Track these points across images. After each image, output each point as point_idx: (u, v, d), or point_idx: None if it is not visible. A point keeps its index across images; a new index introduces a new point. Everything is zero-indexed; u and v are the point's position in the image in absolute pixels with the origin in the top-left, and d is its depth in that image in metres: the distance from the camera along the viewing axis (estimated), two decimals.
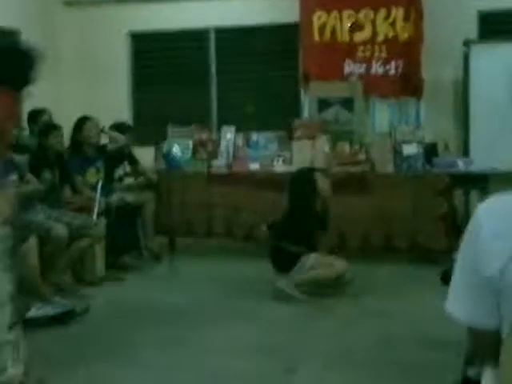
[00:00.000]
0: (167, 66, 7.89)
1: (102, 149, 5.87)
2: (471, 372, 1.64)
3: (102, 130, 5.92)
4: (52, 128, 5.34)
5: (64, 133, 5.49)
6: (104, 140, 6.05)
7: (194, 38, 7.78)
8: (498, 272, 1.34)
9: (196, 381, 3.20)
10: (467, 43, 6.49)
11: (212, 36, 7.72)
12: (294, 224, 4.85)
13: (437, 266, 5.28)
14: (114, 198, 5.76)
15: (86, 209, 5.33)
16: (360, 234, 5.81)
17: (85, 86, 7.77)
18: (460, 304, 1.46)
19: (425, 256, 5.70)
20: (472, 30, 6.75)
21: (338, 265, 4.81)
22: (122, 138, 5.99)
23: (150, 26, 7.71)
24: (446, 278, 1.74)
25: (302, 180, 5.04)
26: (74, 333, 4.02)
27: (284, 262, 4.78)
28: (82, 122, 5.76)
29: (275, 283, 4.74)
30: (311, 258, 4.81)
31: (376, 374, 3.25)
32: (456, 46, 6.50)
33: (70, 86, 7.74)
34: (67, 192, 5.37)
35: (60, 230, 4.64)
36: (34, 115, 5.92)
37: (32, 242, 4.39)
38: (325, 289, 4.77)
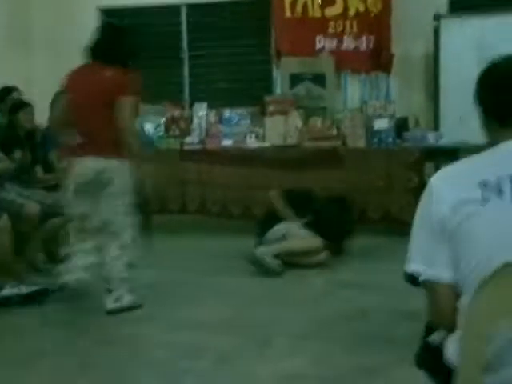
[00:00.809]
0: (138, 43, 7.80)
1: None
2: (431, 338, 1.69)
3: None
4: (22, 105, 5.27)
5: (35, 110, 5.43)
6: None
7: (165, 14, 7.71)
8: (449, 211, 1.50)
9: (169, 357, 3.22)
10: (437, 17, 6.52)
11: (183, 11, 7.66)
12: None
13: (408, 237, 5.39)
14: None
15: (58, 186, 5.30)
16: None
17: (55, 62, 7.65)
18: (418, 260, 1.57)
19: (397, 227, 5.79)
20: (442, 4, 6.77)
21: (313, 240, 4.92)
22: None
23: (120, 2, 7.62)
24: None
25: None
26: (47, 311, 4.02)
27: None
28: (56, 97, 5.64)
29: (254, 251, 4.81)
30: (283, 227, 4.95)
31: (351, 347, 3.30)
32: (426, 21, 6.52)
33: (40, 63, 7.63)
34: (39, 171, 5.32)
35: (32, 209, 4.62)
36: (3, 94, 5.82)
37: (4, 220, 4.36)
38: (299, 258, 4.88)
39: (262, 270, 4.74)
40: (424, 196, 1.60)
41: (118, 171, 3.77)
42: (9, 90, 5.78)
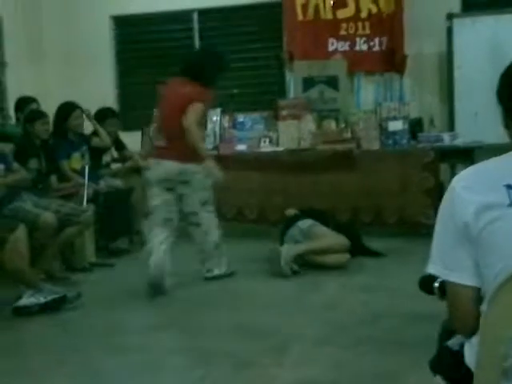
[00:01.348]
0: (151, 50, 7.85)
1: (86, 138, 5.85)
2: (450, 342, 1.67)
3: (87, 115, 5.88)
4: (38, 115, 5.31)
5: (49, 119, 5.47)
6: (89, 128, 6.02)
7: (178, 20, 7.74)
8: (473, 216, 1.45)
9: (185, 364, 3.23)
10: (450, 17, 6.48)
11: (195, 17, 7.68)
12: None
13: (424, 239, 5.35)
14: (102, 183, 5.77)
15: (74, 195, 5.34)
16: (349, 209, 5.85)
17: (69, 71, 7.72)
18: (441, 262, 1.54)
19: (413, 230, 5.76)
20: (455, 3, 6.73)
21: (340, 238, 4.97)
22: (108, 141, 5.99)
23: (133, 9, 7.66)
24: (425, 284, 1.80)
25: None
26: (65, 320, 4.04)
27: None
28: (70, 109, 5.66)
29: (277, 248, 4.84)
30: (308, 224, 5.01)
31: (366, 351, 3.28)
32: (439, 20, 6.48)
33: (55, 72, 7.69)
34: (54, 180, 5.36)
35: (48, 218, 4.65)
36: (22, 104, 5.86)
37: (21, 230, 4.39)
38: (324, 256, 4.88)
39: (273, 268, 4.74)
40: (446, 199, 1.55)
41: (193, 174, 4.46)
42: (27, 101, 5.82)
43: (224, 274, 4.75)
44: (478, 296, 1.50)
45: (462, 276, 1.50)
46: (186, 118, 4.35)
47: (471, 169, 1.57)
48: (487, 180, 1.49)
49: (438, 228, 1.57)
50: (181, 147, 4.41)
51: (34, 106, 5.75)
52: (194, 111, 4.38)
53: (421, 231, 5.56)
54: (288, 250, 4.81)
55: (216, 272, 4.74)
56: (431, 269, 1.57)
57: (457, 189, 1.51)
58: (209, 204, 4.64)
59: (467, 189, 1.50)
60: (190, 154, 4.40)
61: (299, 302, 4.23)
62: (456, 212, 1.50)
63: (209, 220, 4.67)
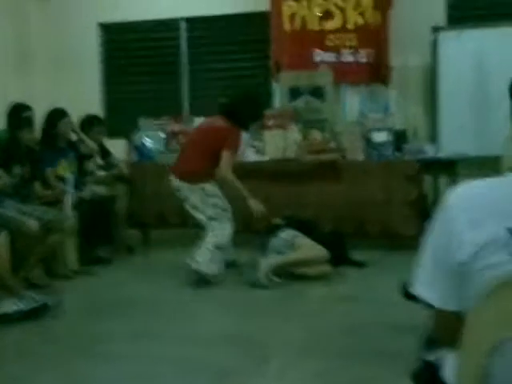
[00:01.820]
0: (138, 57, 7.86)
1: (75, 145, 5.83)
2: (432, 356, 1.68)
3: (73, 130, 5.86)
4: (27, 123, 5.26)
5: (35, 127, 5.44)
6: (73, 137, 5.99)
7: (165, 29, 7.76)
8: (471, 258, 1.39)
9: (169, 373, 3.22)
10: (435, 30, 6.56)
11: (183, 26, 7.70)
12: None
13: (407, 250, 5.38)
14: (87, 191, 5.74)
15: (57, 202, 5.32)
16: (332, 220, 5.87)
17: (56, 77, 7.71)
18: (430, 288, 1.49)
19: (395, 241, 5.79)
20: (440, 16, 6.81)
21: (320, 250, 4.96)
22: (94, 147, 5.98)
23: (120, 17, 7.67)
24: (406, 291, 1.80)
25: None
26: (47, 327, 4.02)
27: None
28: (58, 116, 5.63)
29: (258, 261, 4.87)
30: (290, 235, 5.02)
31: (349, 361, 3.28)
32: (424, 33, 6.55)
33: (42, 78, 7.68)
34: (37, 186, 5.33)
35: (31, 225, 4.62)
36: (17, 111, 5.76)
37: (3, 237, 4.37)
38: (305, 268, 4.89)
39: (250, 279, 4.77)
40: (442, 222, 1.45)
41: (187, 191, 4.94)
42: (22, 108, 5.73)
43: (205, 275, 4.84)
44: (462, 318, 1.49)
45: (448, 302, 1.48)
46: (221, 169, 4.83)
47: (468, 191, 1.46)
48: (488, 216, 1.39)
49: (426, 250, 1.49)
50: (184, 168, 4.96)
51: (28, 113, 5.68)
52: (225, 162, 4.82)
53: (403, 242, 5.60)
54: (267, 262, 4.82)
55: (198, 259, 4.84)
56: (417, 291, 1.52)
57: (454, 219, 1.41)
58: (217, 219, 4.91)
59: (465, 223, 1.40)
60: (188, 175, 4.91)
61: (282, 312, 4.23)
62: (450, 246, 1.42)
63: (216, 235, 4.91)
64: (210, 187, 4.93)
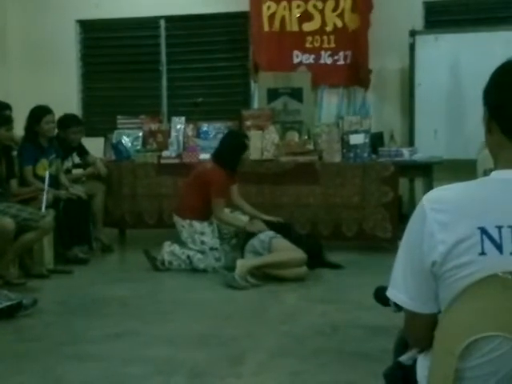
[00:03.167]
0: (117, 55, 7.83)
1: (57, 145, 5.80)
2: (403, 357, 1.70)
3: None
4: (5, 122, 5.20)
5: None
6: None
7: (144, 27, 7.74)
8: (442, 257, 1.42)
9: (142, 373, 3.21)
10: (413, 33, 6.62)
11: (162, 25, 7.69)
12: None
13: (382, 252, 5.43)
14: (63, 189, 5.71)
15: (34, 200, 5.28)
16: (308, 221, 5.90)
17: (33, 74, 7.65)
18: (404, 290, 1.51)
19: (371, 243, 5.84)
20: (418, 20, 6.87)
21: (297, 252, 4.96)
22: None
23: (99, 14, 7.63)
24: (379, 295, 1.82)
25: None
26: (21, 327, 3.99)
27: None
28: (42, 113, 5.58)
29: (236, 263, 4.86)
30: (268, 236, 5.01)
31: (324, 363, 3.31)
32: (402, 37, 6.61)
33: (19, 75, 7.62)
34: (14, 184, 5.29)
35: (6, 223, 4.58)
36: None
37: None
38: (282, 270, 4.89)
39: (227, 280, 4.77)
40: (415, 224, 1.48)
41: (180, 226, 5.38)
42: (1, 106, 5.68)
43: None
44: (435, 320, 1.51)
45: (422, 306, 1.50)
46: (214, 216, 5.25)
47: (443, 195, 1.48)
48: (461, 217, 1.42)
49: (402, 253, 1.52)
50: (181, 204, 5.41)
51: (7, 112, 5.63)
52: (215, 208, 5.20)
53: (379, 244, 5.64)
54: (244, 263, 4.83)
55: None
56: (392, 295, 1.54)
57: (428, 219, 1.44)
58: (204, 253, 5.25)
59: (439, 223, 1.43)
60: (181, 211, 5.36)
61: (257, 313, 4.24)
62: (424, 246, 1.45)
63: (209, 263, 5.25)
64: (198, 225, 5.25)
